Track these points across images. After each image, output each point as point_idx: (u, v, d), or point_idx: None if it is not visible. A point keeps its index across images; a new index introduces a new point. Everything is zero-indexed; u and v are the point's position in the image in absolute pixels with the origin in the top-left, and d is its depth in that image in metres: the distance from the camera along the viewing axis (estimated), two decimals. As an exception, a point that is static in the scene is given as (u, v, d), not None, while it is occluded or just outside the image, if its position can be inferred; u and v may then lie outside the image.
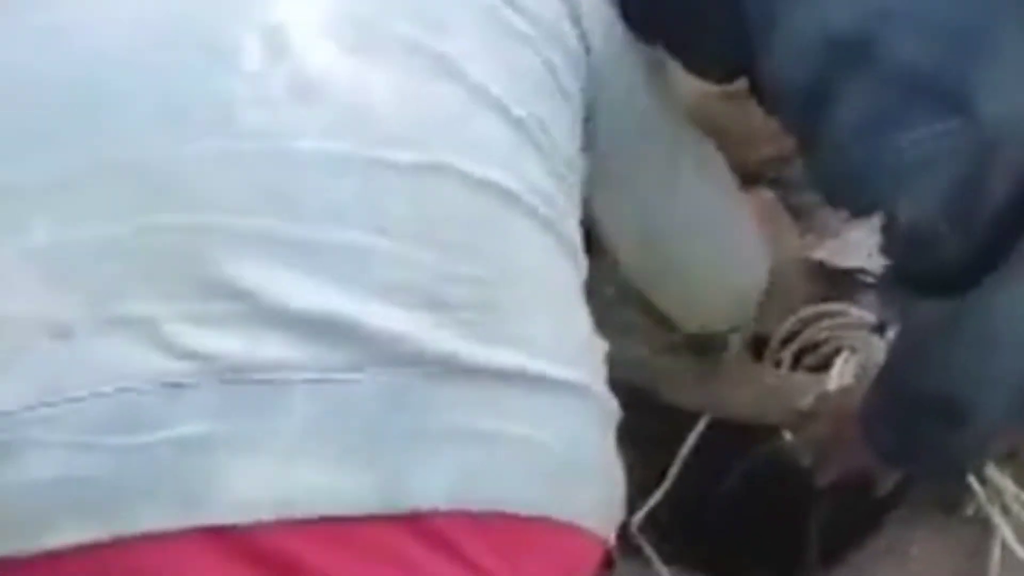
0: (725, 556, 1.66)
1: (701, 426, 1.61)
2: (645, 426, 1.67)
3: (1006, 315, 1.08)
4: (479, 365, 0.92)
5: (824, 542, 1.65)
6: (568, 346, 1.02)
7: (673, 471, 1.61)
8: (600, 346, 1.08)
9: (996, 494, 1.53)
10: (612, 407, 1.07)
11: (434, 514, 0.89)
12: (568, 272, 1.06)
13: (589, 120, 1.15)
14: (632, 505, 1.61)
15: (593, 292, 1.60)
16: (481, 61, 1.02)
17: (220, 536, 0.85)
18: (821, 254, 1.75)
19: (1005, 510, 1.52)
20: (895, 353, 1.28)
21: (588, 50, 1.14)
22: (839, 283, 1.73)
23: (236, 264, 0.89)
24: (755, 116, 1.60)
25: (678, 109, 1.35)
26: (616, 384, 1.63)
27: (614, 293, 1.60)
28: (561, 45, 1.10)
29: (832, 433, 1.51)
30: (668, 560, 1.60)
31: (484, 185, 0.98)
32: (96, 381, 0.86)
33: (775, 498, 1.68)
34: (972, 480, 1.52)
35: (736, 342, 1.61)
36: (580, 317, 1.06)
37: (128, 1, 0.99)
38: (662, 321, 1.63)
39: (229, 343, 0.87)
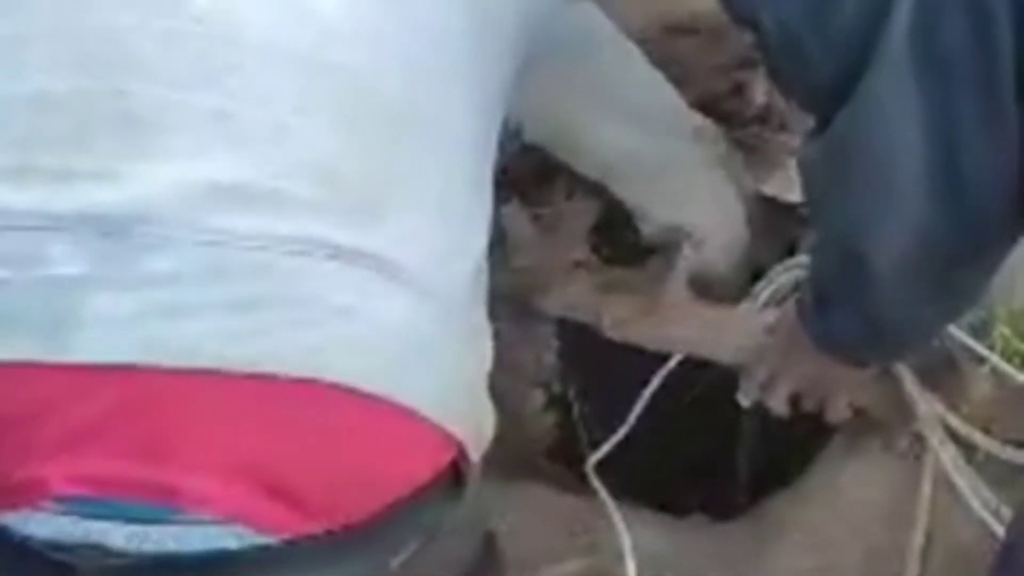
0: (669, 494, 1.68)
1: (663, 372, 1.63)
2: (604, 367, 1.71)
3: (876, 136, 1.08)
4: (347, 248, 1.00)
5: (757, 477, 1.68)
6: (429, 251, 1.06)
7: (632, 416, 1.64)
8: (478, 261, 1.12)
9: (932, 422, 1.55)
10: (471, 318, 1.11)
11: (282, 378, 0.96)
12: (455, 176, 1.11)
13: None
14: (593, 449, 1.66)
15: (548, 235, 1.65)
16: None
17: (85, 372, 0.94)
18: (771, 189, 1.75)
19: (940, 435, 1.55)
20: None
21: None
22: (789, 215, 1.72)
23: (159, 129, 0.98)
24: (695, 53, 1.61)
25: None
26: (564, 323, 1.68)
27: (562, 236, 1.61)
28: None
29: (779, 352, 1.53)
30: (622, 500, 1.62)
31: (406, 102, 1.05)
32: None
33: (710, 434, 1.71)
34: (910, 405, 1.54)
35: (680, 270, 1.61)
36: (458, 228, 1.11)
37: None
38: (610, 260, 1.65)
39: (123, 198, 0.96)
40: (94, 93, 0.99)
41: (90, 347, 0.94)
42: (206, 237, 0.96)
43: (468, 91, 1.11)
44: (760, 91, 1.79)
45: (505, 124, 1.22)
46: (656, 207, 1.58)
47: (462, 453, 1.07)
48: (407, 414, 1.01)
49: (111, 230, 0.95)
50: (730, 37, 1.76)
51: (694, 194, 1.58)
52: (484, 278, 1.14)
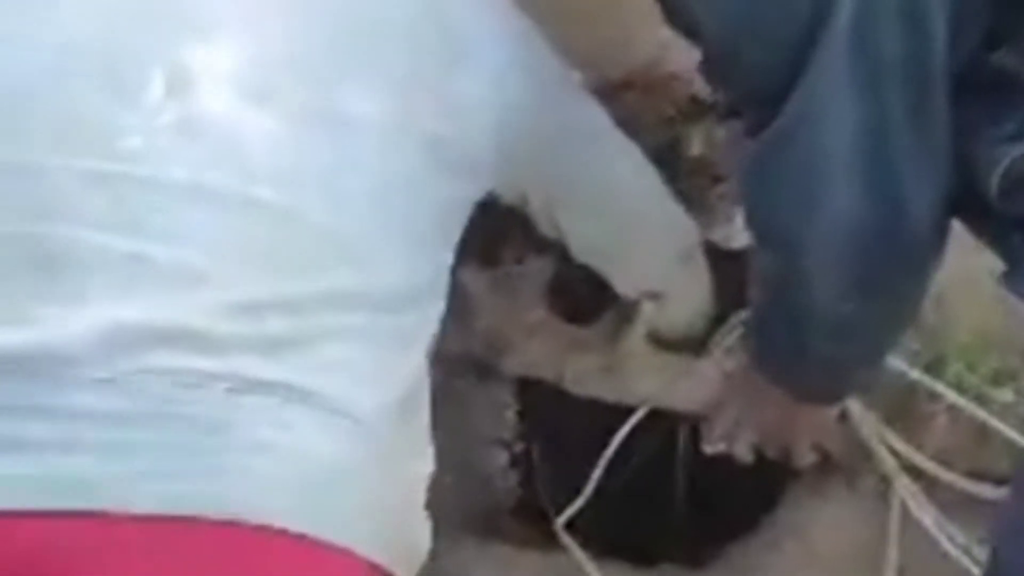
0: (640, 546, 1.69)
1: (627, 426, 1.63)
2: (564, 423, 1.71)
3: (812, 136, 1.11)
4: (262, 380, 1.00)
5: (724, 524, 1.69)
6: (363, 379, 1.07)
7: (596, 473, 1.64)
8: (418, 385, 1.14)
9: (894, 457, 1.58)
10: (399, 444, 1.10)
11: (196, 519, 0.95)
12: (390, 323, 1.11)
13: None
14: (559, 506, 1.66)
15: (505, 296, 1.65)
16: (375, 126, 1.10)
17: None
18: (715, 238, 1.77)
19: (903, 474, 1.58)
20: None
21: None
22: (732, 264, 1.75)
23: (75, 271, 0.99)
24: (632, 108, 1.63)
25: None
26: (523, 382, 1.68)
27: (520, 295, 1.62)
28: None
29: (741, 400, 1.55)
30: (591, 554, 1.62)
31: (332, 234, 1.07)
32: None
33: (675, 485, 1.72)
34: (871, 446, 1.57)
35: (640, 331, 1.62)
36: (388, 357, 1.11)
37: (56, 25, 1.07)
38: (568, 317, 1.65)
39: (32, 340, 0.96)
40: (12, 236, 1.00)
41: None
42: (116, 377, 0.96)
43: (408, 216, 1.12)
44: (696, 143, 1.82)
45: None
46: (632, 284, 1.59)
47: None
48: (329, 547, 0.99)
49: (14, 369, 0.95)
50: (664, 91, 1.79)
51: (656, 275, 1.60)
52: (422, 396, 1.14)
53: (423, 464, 1.15)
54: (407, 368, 1.12)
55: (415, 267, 1.14)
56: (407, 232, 1.12)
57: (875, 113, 1.08)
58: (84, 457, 0.94)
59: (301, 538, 0.98)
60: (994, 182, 1.08)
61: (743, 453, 1.57)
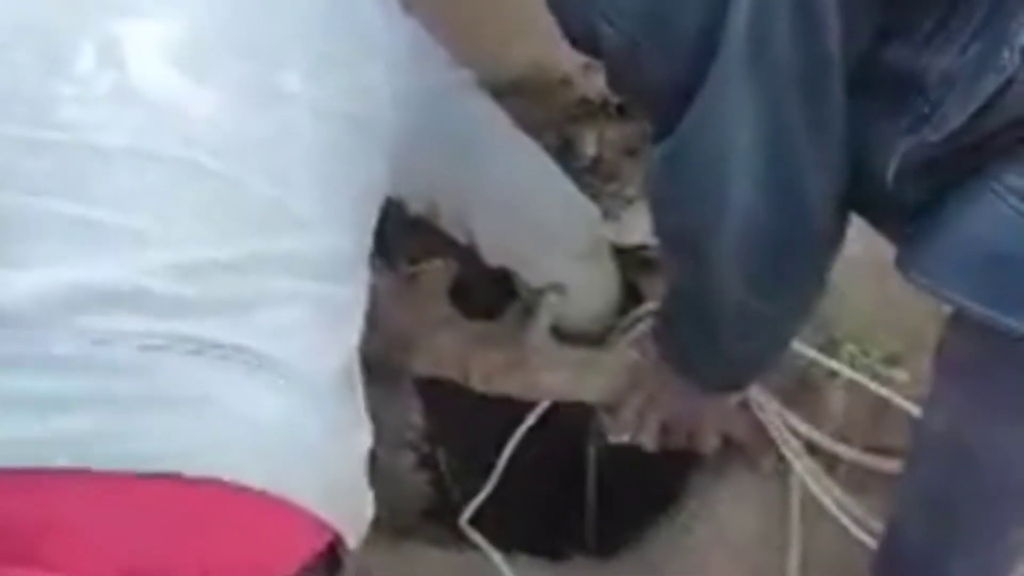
0: (552, 540, 1.70)
1: (530, 420, 1.65)
2: (468, 421, 1.72)
3: (713, 139, 1.12)
4: (213, 341, 1.01)
5: (632, 512, 1.71)
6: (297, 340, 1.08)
7: (499, 468, 1.66)
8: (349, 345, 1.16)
9: (795, 438, 1.62)
10: (343, 411, 1.13)
11: (150, 474, 0.96)
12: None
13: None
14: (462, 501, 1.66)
15: (409, 295, 1.66)
16: (305, 102, 1.13)
17: None
18: (609, 235, 1.79)
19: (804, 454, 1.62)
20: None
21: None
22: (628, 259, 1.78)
23: (20, 236, 1.00)
24: (524, 112, 1.65)
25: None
26: (427, 383, 1.69)
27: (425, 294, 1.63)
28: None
29: (646, 389, 1.58)
30: (504, 550, 1.64)
31: (274, 201, 1.09)
32: None
33: (581, 476, 1.74)
34: (773, 428, 1.61)
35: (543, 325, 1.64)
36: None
37: None
38: (471, 314, 1.67)
39: None
40: None
41: None
42: (61, 336, 0.96)
43: (339, 192, 1.15)
44: (590, 144, 1.85)
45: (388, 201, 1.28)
46: (527, 275, 1.62)
47: (338, 538, 1.09)
48: (279, 505, 1.01)
49: None
50: (555, 94, 1.82)
51: (567, 267, 1.63)
52: (357, 372, 1.17)
53: (364, 435, 1.17)
54: (347, 342, 1.14)
55: (351, 238, 1.17)
56: (340, 205, 1.15)
57: (773, 113, 1.10)
58: (32, 416, 0.94)
59: (259, 494, 0.99)
60: (890, 172, 1.12)
61: (648, 442, 1.60)
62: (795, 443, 1.61)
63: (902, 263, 1.17)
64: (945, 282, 1.11)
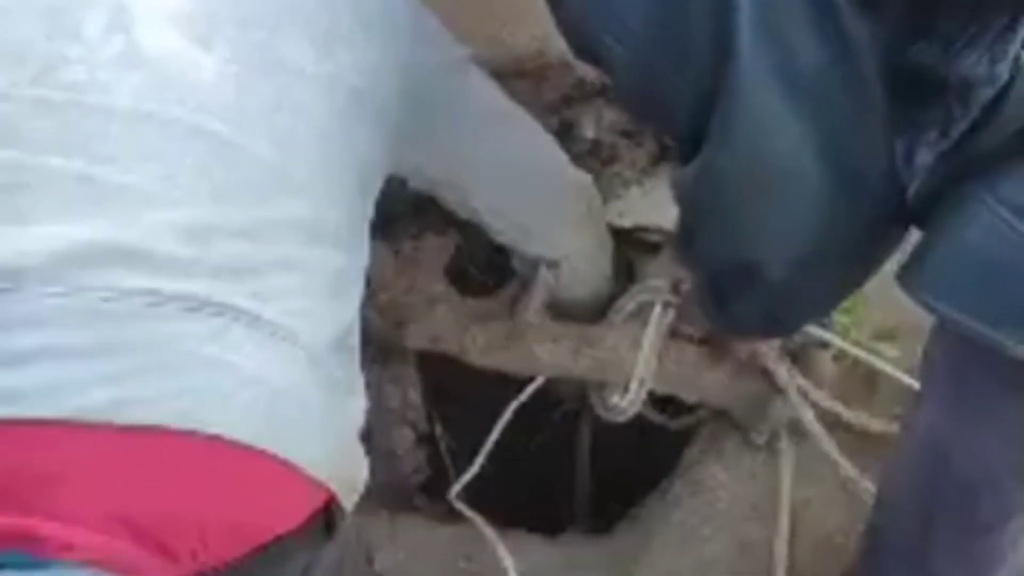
0: (546, 515, 1.72)
1: (524, 395, 1.66)
2: (465, 399, 1.74)
3: (757, 148, 1.08)
4: (214, 301, 1.03)
5: (623, 486, 1.73)
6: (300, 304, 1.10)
7: (490, 441, 1.67)
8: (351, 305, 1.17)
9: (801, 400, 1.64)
10: (340, 374, 1.14)
11: (149, 428, 0.98)
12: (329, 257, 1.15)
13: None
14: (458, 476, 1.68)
15: (407, 270, 1.67)
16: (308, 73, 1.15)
17: None
18: (608, 217, 1.81)
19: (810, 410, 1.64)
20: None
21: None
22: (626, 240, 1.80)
23: (22, 193, 1.01)
24: (523, 94, 1.67)
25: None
26: (425, 359, 1.71)
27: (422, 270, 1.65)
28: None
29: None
30: (499, 525, 1.66)
31: (278, 167, 1.10)
32: None
33: (573, 450, 1.75)
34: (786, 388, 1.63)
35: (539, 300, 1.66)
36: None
37: None
38: (468, 291, 1.69)
39: None
40: None
41: None
42: (64, 291, 0.98)
43: (341, 161, 1.16)
44: (588, 126, 1.86)
45: (389, 179, 1.29)
46: (532, 248, 1.64)
47: (333, 499, 1.10)
48: (278, 463, 1.03)
49: None
50: (554, 77, 1.84)
51: (570, 236, 1.65)
52: (355, 338, 1.18)
53: (360, 403, 1.18)
54: (346, 309, 1.16)
55: (352, 208, 1.18)
56: (342, 174, 1.16)
57: (815, 117, 1.06)
58: (39, 369, 0.96)
59: (258, 452, 1.01)
60: (912, 186, 1.10)
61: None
62: (803, 403, 1.62)
63: (904, 279, 1.14)
64: (940, 296, 1.09)
